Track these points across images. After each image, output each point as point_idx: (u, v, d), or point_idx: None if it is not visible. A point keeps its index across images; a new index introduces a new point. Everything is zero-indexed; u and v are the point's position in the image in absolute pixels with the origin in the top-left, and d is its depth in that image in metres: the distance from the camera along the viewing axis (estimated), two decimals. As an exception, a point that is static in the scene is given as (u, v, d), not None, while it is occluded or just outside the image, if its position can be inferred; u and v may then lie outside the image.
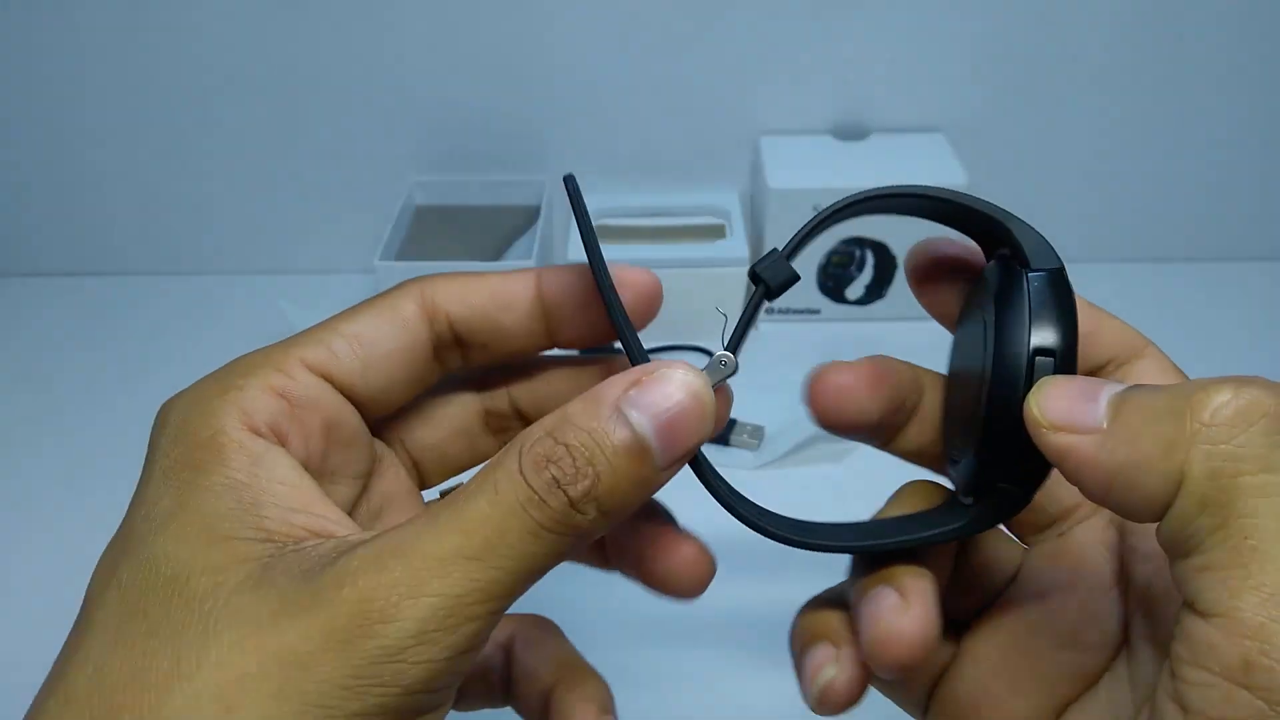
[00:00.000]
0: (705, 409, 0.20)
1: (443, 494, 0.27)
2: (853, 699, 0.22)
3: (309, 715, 0.18)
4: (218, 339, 0.58)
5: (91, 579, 0.20)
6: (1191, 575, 0.17)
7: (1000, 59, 0.59)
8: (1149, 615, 0.22)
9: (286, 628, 0.18)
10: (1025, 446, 0.20)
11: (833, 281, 0.60)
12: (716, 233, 0.61)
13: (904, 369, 0.25)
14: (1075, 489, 0.19)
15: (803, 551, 0.23)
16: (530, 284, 0.25)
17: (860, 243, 0.58)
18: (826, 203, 0.23)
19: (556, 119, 0.61)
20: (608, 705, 0.25)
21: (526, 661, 0.26)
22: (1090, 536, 0.24)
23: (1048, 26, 0.58)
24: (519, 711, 0.27)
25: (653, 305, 0.25)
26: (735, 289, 0.56)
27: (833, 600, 0.24)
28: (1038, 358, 0.20)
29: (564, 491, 0.19)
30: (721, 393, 0.22)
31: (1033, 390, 0.20)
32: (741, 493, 0.23)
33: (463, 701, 0.26)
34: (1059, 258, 0.21)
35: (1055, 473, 0.20)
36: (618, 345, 0.23)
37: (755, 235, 0.61)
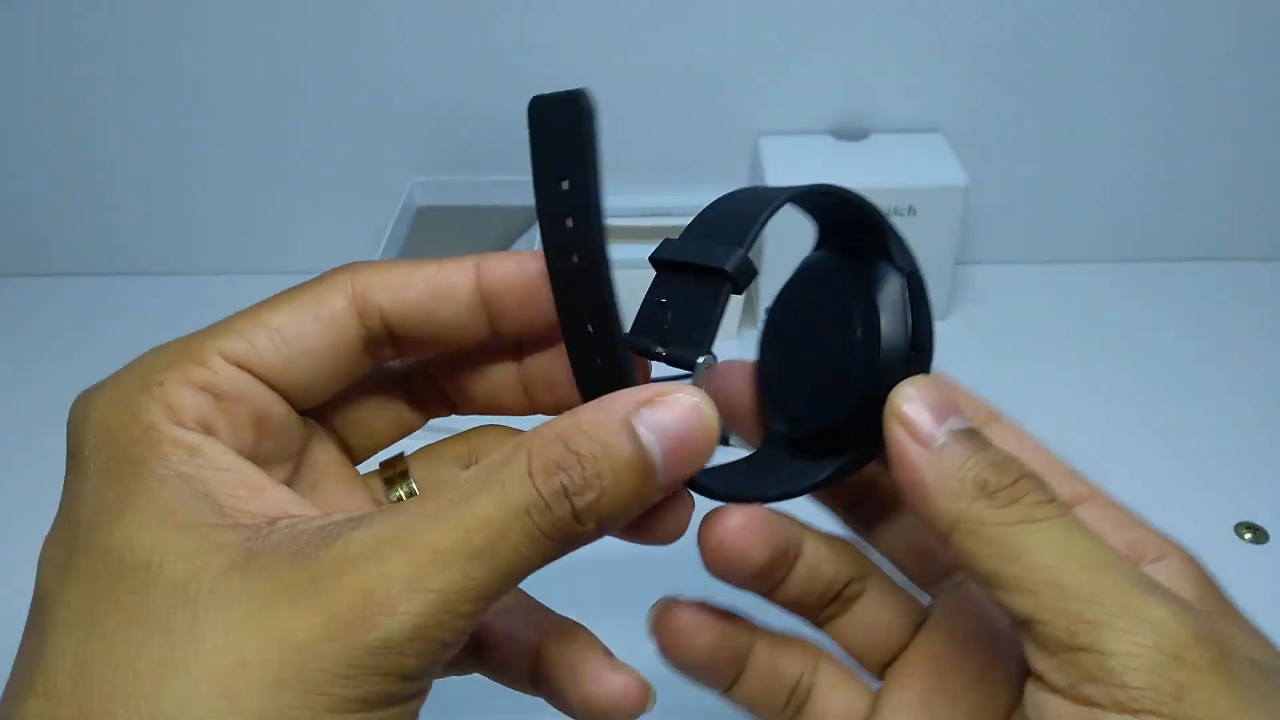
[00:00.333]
0: (711, 437, 0.21)
1: (382, 465, 0.27)
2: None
3: (310, 702, 0.18)
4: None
5: (41, 570, 0.20)
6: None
7: (1000, 59, 0.59)
8: None
9: (284, 612, 0.18)
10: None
11: (832, 281, 0.60)
12: (716, 233, 0.61)
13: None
14: None
15: None
16: (470, 274, 0.24)
17: (860, 243, 0.58)
18: None
19: (556, 119, 0.61)
20: (608, 651, 0.25)
21: (501, 625, 0.25)
22: None
23: (1048, 27, 0.58)
24: (496, 676, 0.26)
25: (528, 299, 0.24)
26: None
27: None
28: (911, 352, 0.25)
29: (570, 501, 0.19)
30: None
31: (903, 383, 0.23)
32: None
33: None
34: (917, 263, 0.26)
35: None
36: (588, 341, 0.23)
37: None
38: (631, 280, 0.24)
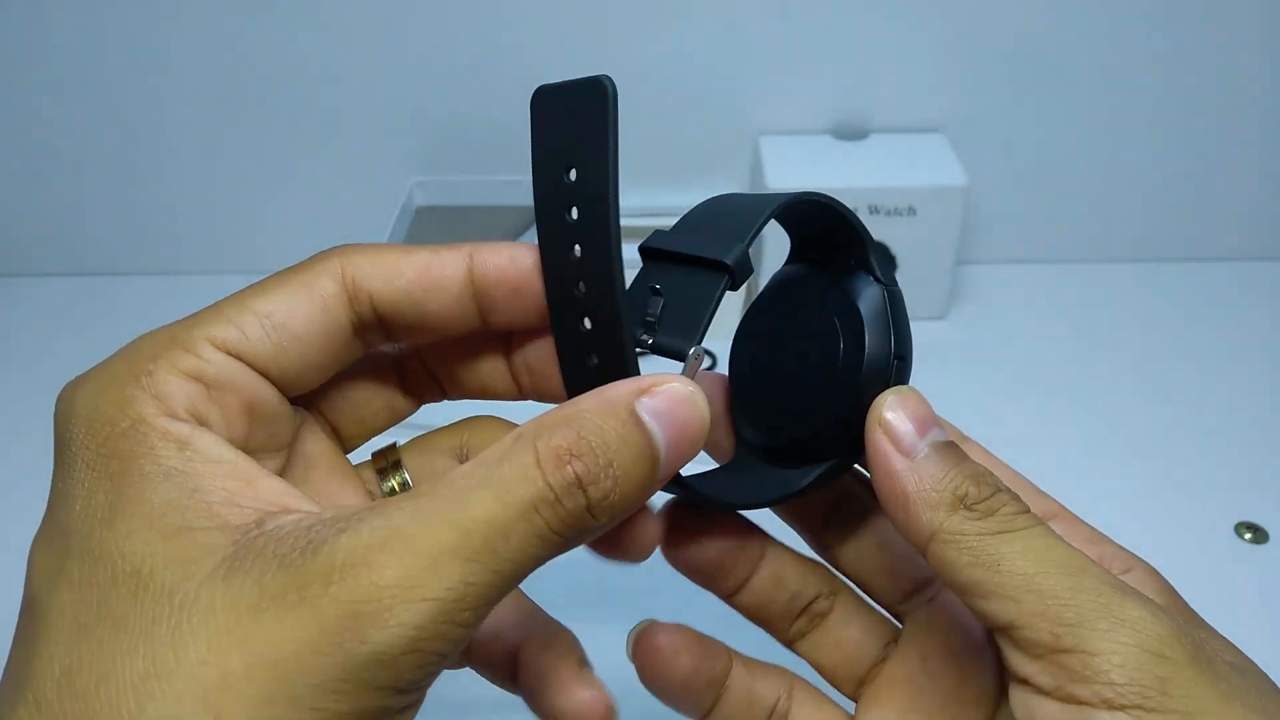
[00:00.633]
0: (705, 427, 0.21)
1: (374, 455, 0.27)
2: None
3: (299, 717, 0.17)
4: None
5: (31, 574, 0.19)
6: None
7: (1001, 60, 0.59)
8: None
9: (271, 623, 0.17)
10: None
11: (832, 281, 0.60)
12: (716, 233, 0.61)
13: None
14: None
15: None
16: (462, 263, 0.23)
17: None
18: None
19: (556, 119, 0.61)
20: (583, 658, 0.25)
21: (491, 623, 0.25)
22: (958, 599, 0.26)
23: (1048, 27, 0.58)
24: (481, 672, 0.26)
25: (519, 292, 0.24)
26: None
27: None
28: (895, 360, 0.25)
29: (585, 492, 0.19)
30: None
31: (887, 393, 0.23)
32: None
33: None
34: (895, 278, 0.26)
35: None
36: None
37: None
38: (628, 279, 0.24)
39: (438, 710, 0.23)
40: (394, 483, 0.26)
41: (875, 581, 0.28)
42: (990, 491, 0.22)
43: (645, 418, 0.20)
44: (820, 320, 0.26)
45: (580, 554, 0.21)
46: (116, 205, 0.65)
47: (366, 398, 0.26)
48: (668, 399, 0.20)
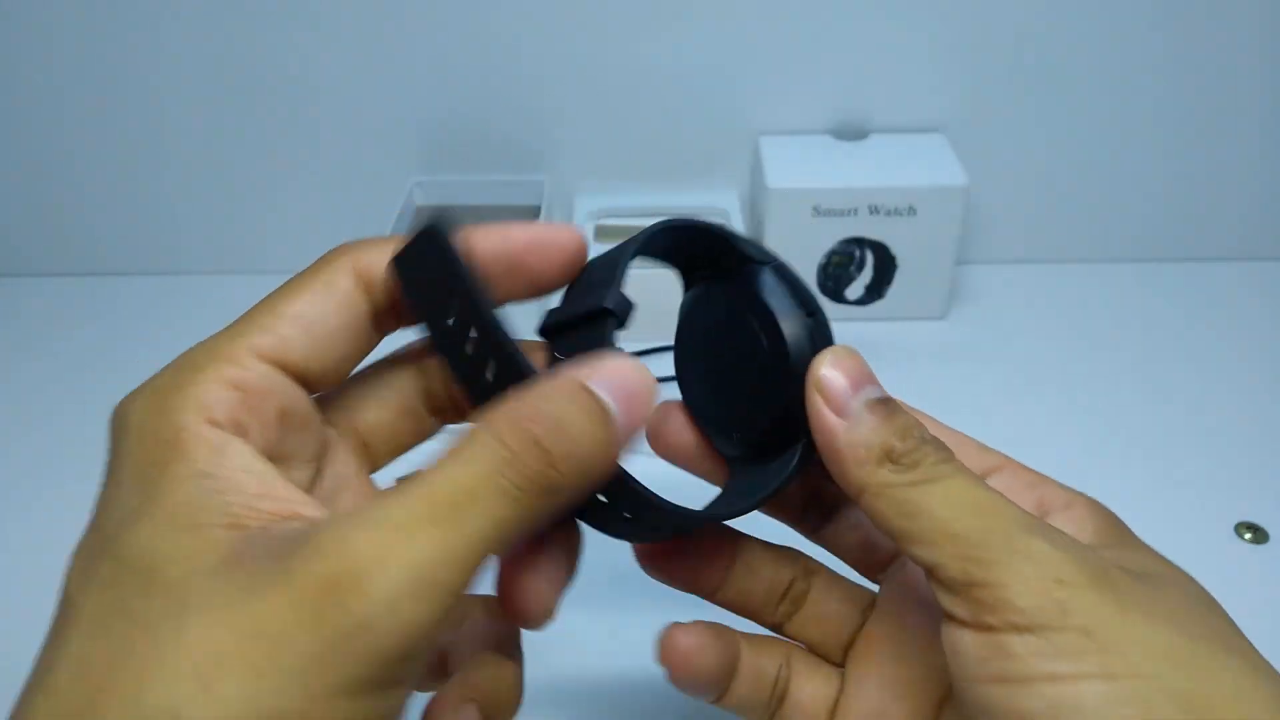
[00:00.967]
0: (652, 388, 0.22)
1: (398, 482, 0.28)
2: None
3: (288, 688, 0.18)
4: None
5: (67, 579, 0.20)
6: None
7: (1001, 60, 0.59)
8: None
9: (258, 605, 0.18)
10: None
11: (832, 282, 0.60)
12: (716, 233, 0.61)
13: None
14: None
15: None
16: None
17: (860, 243, 0.58)
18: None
19: (556, 119, 0.61)
20: (496, 700, 0.25)
21: (457, 644, 0.26)
22: None
23: (1048, 27, 0.58)
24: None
25: (514, 268, 0.25)
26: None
27: None
28: (810, 317, 0.27)
29: (543, 448, 0.20)
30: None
31: (822, 354, 0.25)
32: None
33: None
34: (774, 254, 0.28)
35: None
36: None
37: (755, 235, 0.61)
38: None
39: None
40: None
41: (854, 557, 0.30)
42: (915, 444, 0.24)
43: (594, 387, 0.21)
44: (733, 324, 0.28)
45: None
46: (117, 205, 0.65)
47: (392, 414, 0.27)
48: (611, 369, 0.22)
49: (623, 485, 0.23)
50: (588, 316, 0.25)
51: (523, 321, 0.27)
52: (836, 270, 0.59)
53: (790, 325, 0.26)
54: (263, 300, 0.24)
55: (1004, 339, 0.60)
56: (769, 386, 0.27)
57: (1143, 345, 0.59)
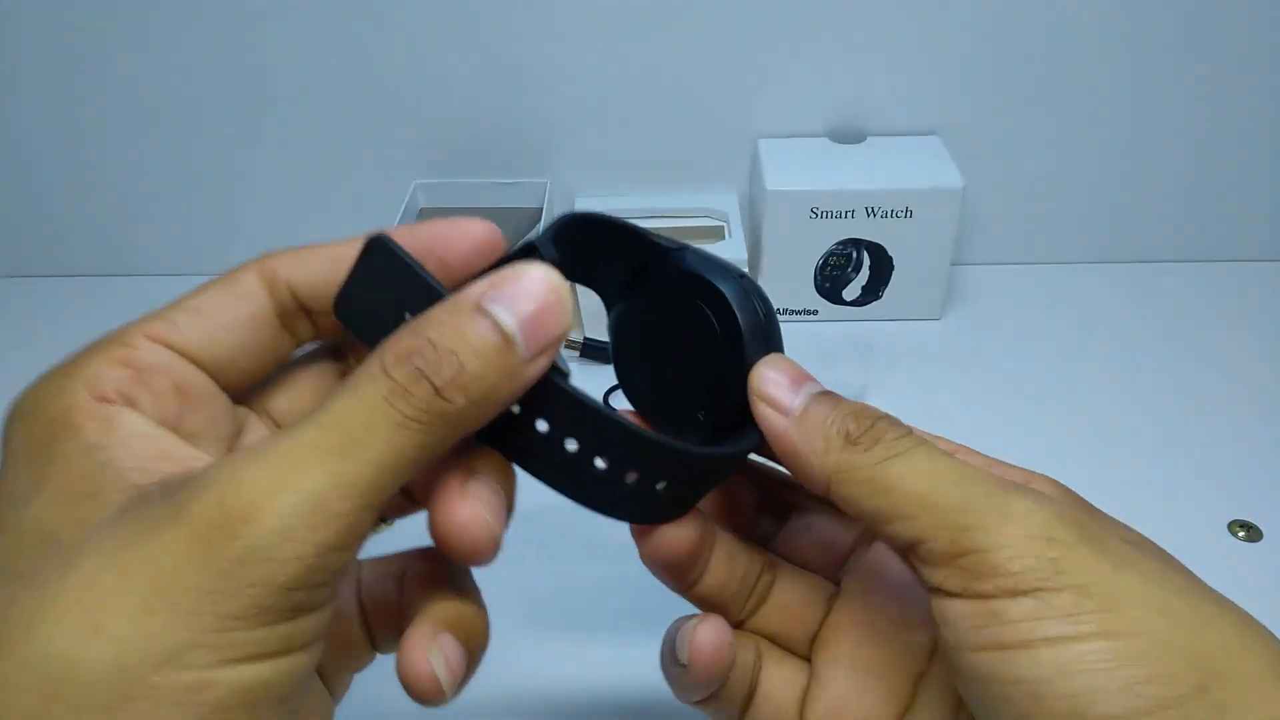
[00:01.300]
0: (563, 300, 0.21)
1: None
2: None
3: (180, 623, 0.17)
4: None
5: None
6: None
7: (996, 63, 0.60)
8: None
9: (149, 544, 0.18)
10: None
11: (830, 283, 0.60)
12: (715, 234, 0.61)
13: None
14: None
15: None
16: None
17: (857, 244, 0.59)
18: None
19: (558, 122, 0.62)
20: (466, 628, 0.23)
21: (411, 596, 0.25)
22: None
23: (1043, 31, 0.58)
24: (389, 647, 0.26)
25: (490, 253, 0.25)
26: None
27: None
28: (740, 279, 0.27)
29: (429, 380, 0.19)
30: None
31: (757, 367, 0.25)
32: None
33: (384, 645, 0.26)
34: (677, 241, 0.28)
35: None
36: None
37: (753, 236, 0.61)
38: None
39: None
40: None
41: (813, 560, 0.29)
42: (870, 422, 0.23)
43: (490, 306, 0.20)
44: (673, 311, 0.28)
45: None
46: (119, 206, 0.65)
47: (310, 398, 0.27)
48: (515, 283, 0.21)
49: (558, 400, 0.22)
50: (512, 259, 0.24)
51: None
52: (834, 271, 0.60)
53: (734, 294, 0.27)
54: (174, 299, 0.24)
55: (1000, 339, 0.60)
56: (729, 353, 0.26)
57: (1137, 345, 0.59)
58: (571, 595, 0.41)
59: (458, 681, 0.22)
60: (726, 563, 0.28)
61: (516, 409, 0.22)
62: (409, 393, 0.19)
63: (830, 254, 0.59)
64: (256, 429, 0.25)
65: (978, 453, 0.27)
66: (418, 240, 0.25)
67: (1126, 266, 0.66)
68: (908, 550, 0.22)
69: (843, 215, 0.57)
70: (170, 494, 0.19)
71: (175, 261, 0.67)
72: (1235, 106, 0.61)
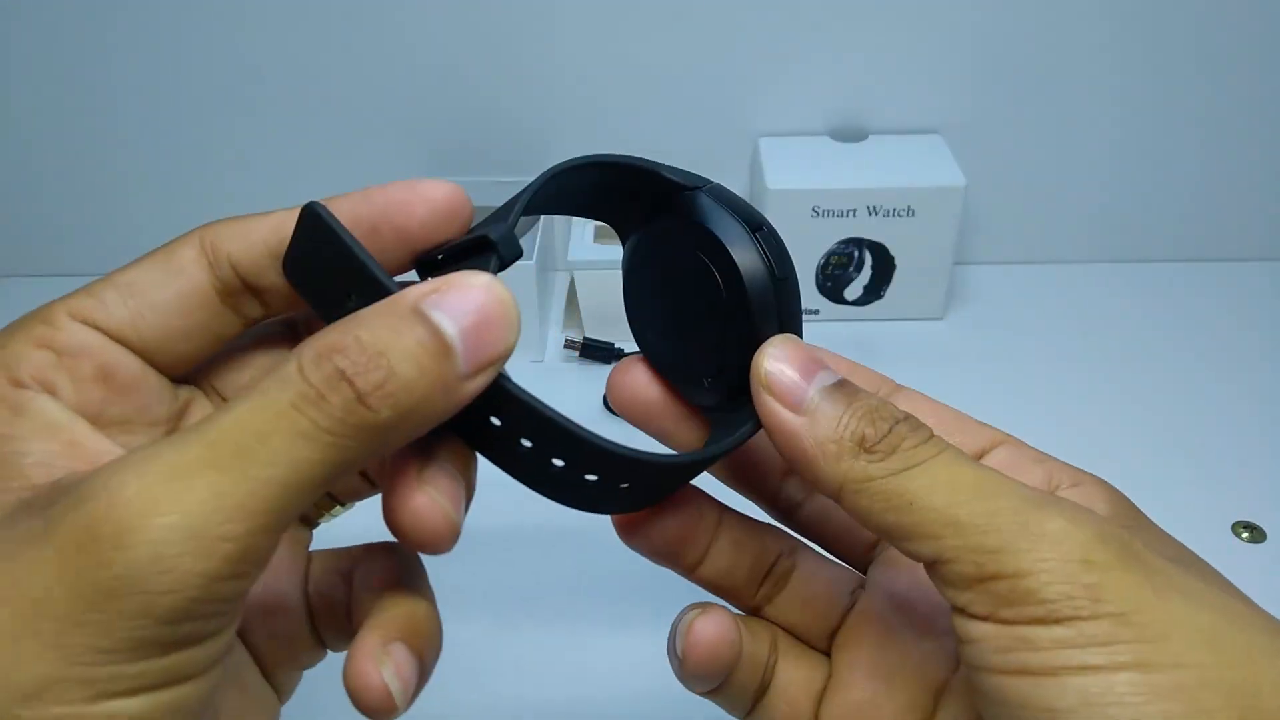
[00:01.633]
0: (510, 314, 0.19)
1: None
2: None
3: (48, 655, 0.16)
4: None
5: None
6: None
7: (998, 61, 0.59)
8: None
9: (18, 565, 0.16)
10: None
11: (831, 282, 0.60)
12: (716, 234, 0.61)
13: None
14: None
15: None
16: None
17: (858, 243, 0.58)
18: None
19: (559, 121, 0.62)
20: (419, 635, 0.22)
21: (360, 596, 0.23)
22: None
23: (1045, 29, 0.58)
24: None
25: (458, 218, 0.23)
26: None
27: None
28: (755, 233, 0.24)
29: (351, 384, 0.17)
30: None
31: (762, 350, 0.23)
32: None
33: (337, 641, 0.25)
34: (701, 177, 0.25)
35: None
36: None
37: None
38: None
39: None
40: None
41: (838, 541, 0.27)
42: (888, 426, 0.21)
43: (429, 311, 0.18)
44: (682, 262, 0.25)
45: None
46: (118, 206, 0.65)
47: (261, 376, 0.25)
48: (459, 291, 0.19)
49: (508, 405, 0.20)
50: (466, 249, 0.22)
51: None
52: (835, 271, 0.60)
53: (741, 252, 0.24)
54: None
55: (1002, 339, 0.60)
56: (736, 320, 0.24)
57: (1141, 345, 0.59)
58: (577, 579, 0.41)
59: (410, 693, 0.21)
60: (732, 550, 0.26)
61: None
62: (323, 399, 0.17)
63: (831, 253, 0.59)
64: (202, 410, 0.23)
65: (1026, 445, 0.25)
66: (372, 206, 0.22)
67: (1130, 266, 0.66)
68: (929, 568, 0.21)
69: (844, 214, 0.57)
70: (51, 503, 0.17)
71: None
72: (1236, 107, 0.61)
